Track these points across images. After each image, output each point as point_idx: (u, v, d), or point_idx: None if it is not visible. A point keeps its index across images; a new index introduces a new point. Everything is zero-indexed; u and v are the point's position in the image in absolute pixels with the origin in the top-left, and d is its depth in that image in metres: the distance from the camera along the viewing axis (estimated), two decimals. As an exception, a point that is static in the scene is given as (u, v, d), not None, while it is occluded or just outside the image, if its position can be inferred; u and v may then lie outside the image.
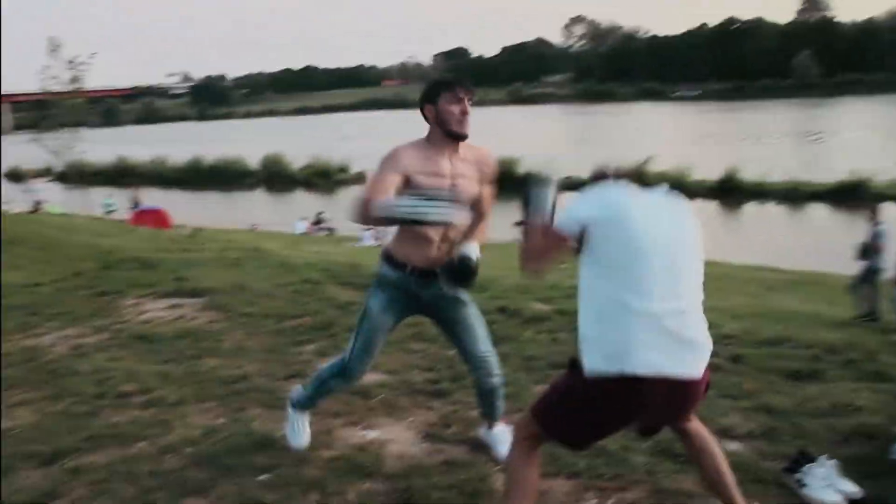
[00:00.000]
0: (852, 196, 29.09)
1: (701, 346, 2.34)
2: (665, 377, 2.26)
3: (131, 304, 6.84)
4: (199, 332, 5.55)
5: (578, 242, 2.41)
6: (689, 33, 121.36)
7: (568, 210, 2.47)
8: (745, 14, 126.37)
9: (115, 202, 32.03)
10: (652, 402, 2.31)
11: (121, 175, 50.00)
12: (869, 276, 10.69)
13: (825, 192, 30.23)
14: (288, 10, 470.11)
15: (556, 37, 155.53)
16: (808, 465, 2.90)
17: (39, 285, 8.02)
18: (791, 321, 6.69)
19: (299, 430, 3.48)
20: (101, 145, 58.65)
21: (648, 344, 2.25)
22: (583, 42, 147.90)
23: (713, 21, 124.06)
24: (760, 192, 31.62)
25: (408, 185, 2.93)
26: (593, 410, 2.39)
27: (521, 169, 40.06)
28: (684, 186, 32.31)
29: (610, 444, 3.31)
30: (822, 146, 48.66)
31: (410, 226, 2.88)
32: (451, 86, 2.99)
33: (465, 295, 3.20)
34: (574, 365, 2.43)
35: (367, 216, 2.84)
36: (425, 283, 3.10)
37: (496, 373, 3.28)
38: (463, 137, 3.01)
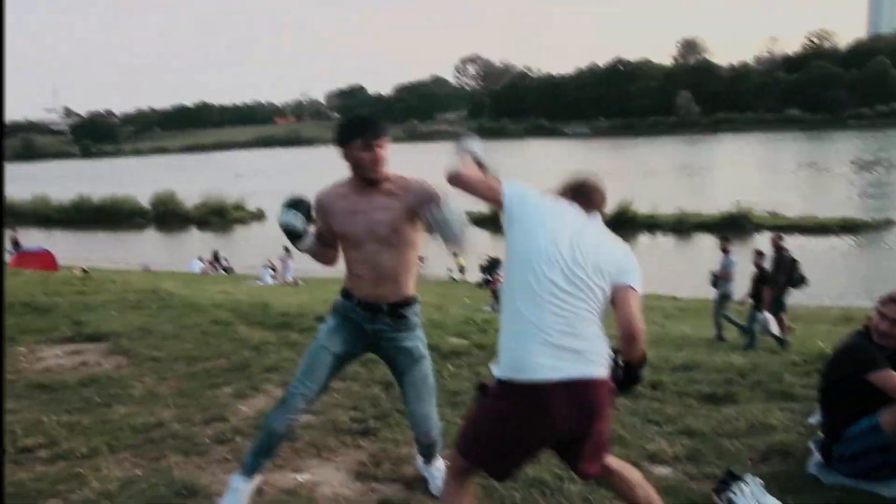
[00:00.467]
0: (735, 226, 30.84)
1: (594, 353, 2.40)
2: (560, 381, 2.31)
3: (25, 351, 6.46)
4: (106, 379, 5.27)
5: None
6: (579, 73, 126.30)
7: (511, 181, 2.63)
8: (632, 55, 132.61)
9: (-8, 244, 30.13)
10: (555, 409, 2.34)
11: (-5, 214, 47.29)
12: (721, 302, 11.73)
13: (711, 223, 31.88)
14: (180, 46, 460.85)
15: (449, 75, 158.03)
16: (736, 484, 3.00)
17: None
18: (693, 347, 6.98)
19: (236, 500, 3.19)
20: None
21: (541, 351, 2.32)
22: (476, 81, 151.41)
23: (602, 61, 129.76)
24: (652, 224, 33.02)
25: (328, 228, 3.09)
26: (503, 425, 2.41)
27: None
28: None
29: (545, 474, 3.34)
30: (705, 179, 51.33)
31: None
32: (361, 133, 2.96)
33: (415, 346, 3.18)
34: (482, 388, 2.48)
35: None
36: (369, 317, 3.10)
37: (434, 433, 3.29)
38: (375, 182, 3.00)
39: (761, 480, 3.14)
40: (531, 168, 47.62)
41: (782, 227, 31.78)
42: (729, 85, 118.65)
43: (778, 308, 10.84)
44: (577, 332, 2.38)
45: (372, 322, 3.10)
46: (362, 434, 3.97)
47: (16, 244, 26.60)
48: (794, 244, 28.94)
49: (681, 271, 24.41)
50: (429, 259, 25.93)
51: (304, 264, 27.11)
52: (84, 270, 22.18)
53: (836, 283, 22.32)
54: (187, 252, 30.23)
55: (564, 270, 2.38)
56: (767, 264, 11.14)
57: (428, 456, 3.38)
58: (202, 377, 5.16)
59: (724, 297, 11.77)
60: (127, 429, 4.25)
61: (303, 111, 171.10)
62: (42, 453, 4.00)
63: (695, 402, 4.26)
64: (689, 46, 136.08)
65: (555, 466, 3.43)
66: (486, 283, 22.03)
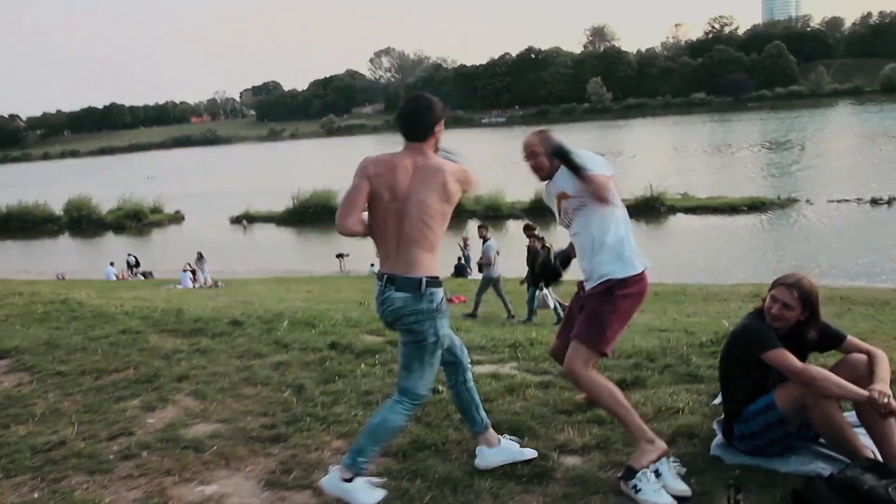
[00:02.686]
0: (649, 209, 31.65)
1: None
2: None
3: (-83, 374, 6.14)
4: (4, 399, 5.03)
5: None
6: (492, 62, 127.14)
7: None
8: (543, 44, 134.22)
9: None
10: None
11: None
12: (487, 285, 12.99)
13: (627, 206, 32.54)
14: (88, 47, 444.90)
15: (364, 69, 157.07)
16: (643, 471, 3.05)
17: None
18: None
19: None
20: None
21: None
22: (390, 73, 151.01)
23: (514, 51, 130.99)
24: (565, 210, 33.59)
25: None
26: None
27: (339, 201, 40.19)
28: (500, 208, 33.71)
29: (456, 471, 3.34)
30: (618, 164, 52.46)
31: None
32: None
33: (411, 331, 3.13)
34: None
35: None
36: (383, 284, 3.16)
37: (411, 413, 3.30)
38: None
39: (677, 459, 3.22)
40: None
41: (693, 207, 32.99)
42: (637, 70, 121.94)
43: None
44: None
45: (382, 290, 3.22)
46: (273, 441, 3.88)
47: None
48: (705, 224, 30.14)
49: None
50: (350, 256, 25.82)
51: (220, 266, 26.68)
52: (-11, 282, 21.25)
53: (746, 261, 23.13)
54: (104, 259, 29.28)
55: None
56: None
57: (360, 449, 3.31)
58: (109, 390, 4.97)
59: (490, 281, 12.95)
60: (27, 450, 4.06)
61: (217, 109, 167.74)
62: (-70, 482, 3.80)
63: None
64: (598, 34, 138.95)
65: (465, 464, 3.44)
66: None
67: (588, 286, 3.47)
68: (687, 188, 36.26)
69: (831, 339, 3.42)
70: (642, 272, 3.42)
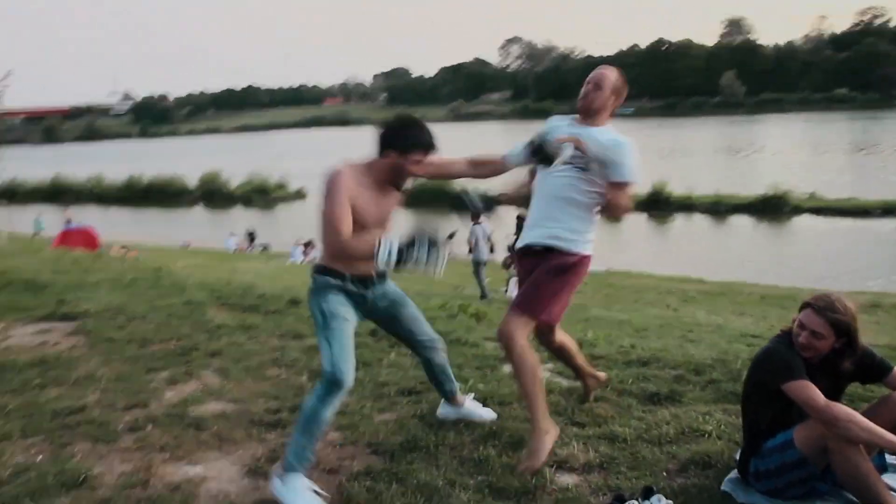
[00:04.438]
0: (772, 208, 29.94)
1: None
2: None
3: (1, 328, 6.46)
4: (54, 360, 5.19)
5: None
6: (621, 53, 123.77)
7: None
8: (675, 36, 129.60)
9: (44, 221, 31.10)
10: None
11: (58, 193, 49.14)
12: (477, 267, 13.67)
13: (748, 204, 31.06)
14: (230, 30, 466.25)
15: (493, 57, 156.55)
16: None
17: None
18: (673, 337, 6.70)
19: (304, 496, 3.00)
20: (39, 164, 57.46)
21: None
22: (519, 62, 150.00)
23: (644, 42, 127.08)
24: (688, 205, 32.32)
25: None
26: None
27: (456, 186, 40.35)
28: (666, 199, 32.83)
29: (438, 478, 3.13)
30: (747, 161, 50.03)
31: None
32: (426, 147, 3.18)
33: (397, 289, 3.43)
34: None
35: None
36: (363, 287, 3.27)
37: (444, 349, 3.61)
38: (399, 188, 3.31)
39: (670, 502, 2.86)
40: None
41: (821, 208, 30.89)
42: (775, 64, 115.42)
43: None
44: None
45: (366, 289, 3.27)
46: (271, 427, 3.78)
47: (68, 221, 27.16)
48: (833, 227, 28.15)
49: (713, 254, 23.76)
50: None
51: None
52: (123, 247, 22.58)
53: (872, 267, 21.41)
54: (230, 230, 30.59)
55: None
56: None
57: (452, 390, 3.69)
58: (145, 360, 5.03)
59: (477, 263, 13.74)
60: (48, 413, 4.14)
61: (349, 93, 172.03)
62: (-44, 435, 3.93)
63: (634, 403, 3.95)
64: (735, 26, 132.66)
65: (453, 471, 3.21)
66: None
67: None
68: (818, 188, 33.92)
69: (873, 371, 2.96)
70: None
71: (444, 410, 3.76)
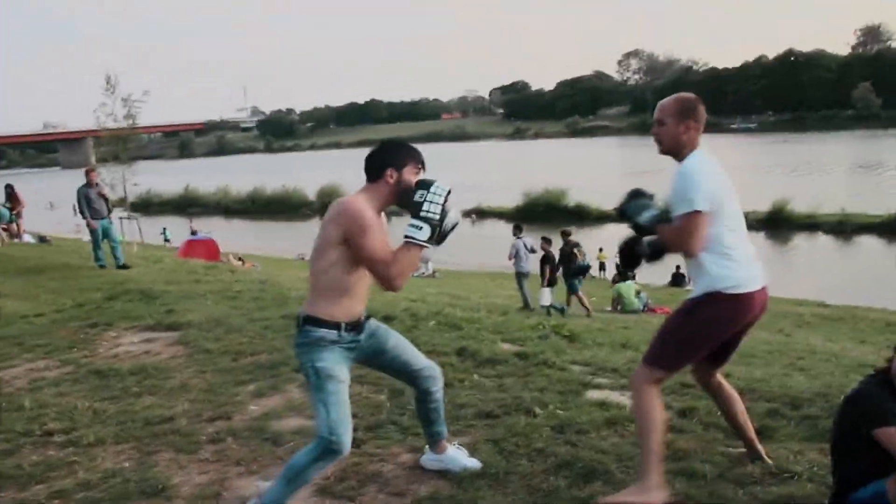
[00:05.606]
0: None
1: None
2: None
3: (112, 336, 6.82)
4: (153, 369, 5.44)
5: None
6: (746, 65, 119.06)
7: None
8: (805, 46, 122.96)
9: (169, 232, 32.94)
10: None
11: (187, 205, 52.15)
12: (520, 278, 14.22)
13: (877, 224, 29.21)
14: (352, 47, 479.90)
15: (612, 70, 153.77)
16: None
17: (40, 315, 8.11)
18: (778, 364, 6.35)
19: None
20: (172, 177, 61.08)
21: None
22: (638, 75, 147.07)
23: (772, 53, 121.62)
24: (810, 224, 30.76)
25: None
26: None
27: (570, 200, 39.90)
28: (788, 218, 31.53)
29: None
30: (880, 178, 47.08)
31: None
32: (420, 159, 3.16)
33: (378, 322, 3.31)
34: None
35: None
36: (359, 330, 3.12)
37: (441, 382, 3.38)
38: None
39: None
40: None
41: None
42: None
43: (571, 289, 14.05)
44: None
45: (359, 334, 3.12)
46: (346, 445, 3.80)
47: (193, 232, 28.62)
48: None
49: (835, 276, 22.44)
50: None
51: (444, 257, 27.41)
52: (240, 258, 23.54)
53: None
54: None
55: None
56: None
57: (440, 433, 3.44)
58: (236, 372, 5.19)
59: (520, 275, 14.19)
60: (140, 420, 4.33)
61: (467, 107, 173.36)
62: (58, 438, 4.16)
63: (720, 436, 3.73)
64: (871, 34, 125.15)
65: (518, 501, 3.12)
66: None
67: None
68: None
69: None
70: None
71: (426, 458, 3.51)
